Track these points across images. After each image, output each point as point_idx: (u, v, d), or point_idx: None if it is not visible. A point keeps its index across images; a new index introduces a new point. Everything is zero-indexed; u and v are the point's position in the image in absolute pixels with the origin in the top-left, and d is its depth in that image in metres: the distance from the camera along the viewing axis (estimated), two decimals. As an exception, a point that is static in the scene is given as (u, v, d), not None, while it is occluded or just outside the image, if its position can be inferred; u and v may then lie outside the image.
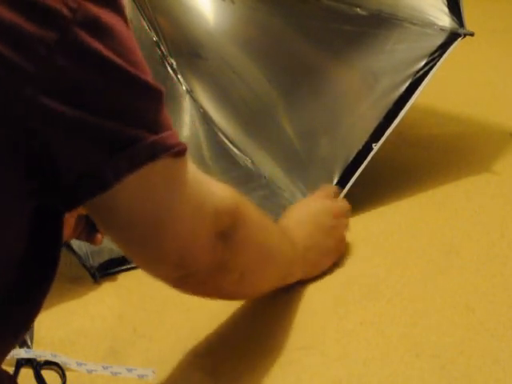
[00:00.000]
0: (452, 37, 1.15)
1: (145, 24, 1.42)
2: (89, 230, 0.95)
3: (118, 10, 0.59)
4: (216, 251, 0.73)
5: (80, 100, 0.56)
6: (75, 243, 1.05)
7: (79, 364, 0.87)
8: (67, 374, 0.87)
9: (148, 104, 0.61)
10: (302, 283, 1.00)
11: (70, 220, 0.99)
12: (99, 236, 0.95)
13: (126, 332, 0.94)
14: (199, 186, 0.70)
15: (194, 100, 1.39)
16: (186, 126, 1.38)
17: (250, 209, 0.79)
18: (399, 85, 1.16)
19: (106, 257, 1.06)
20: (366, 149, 1.14)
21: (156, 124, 0.62)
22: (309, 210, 1.00)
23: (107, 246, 1.02)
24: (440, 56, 1.14)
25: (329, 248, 1.00)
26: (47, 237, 0.65)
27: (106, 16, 0.57)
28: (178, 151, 0.64)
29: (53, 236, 0.65)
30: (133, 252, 0.71)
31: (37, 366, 0.88)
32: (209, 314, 0.96)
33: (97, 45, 0.56)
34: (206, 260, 0.72)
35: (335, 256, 1.01)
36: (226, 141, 1.34)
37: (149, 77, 0.61)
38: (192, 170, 0.69)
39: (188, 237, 0.69)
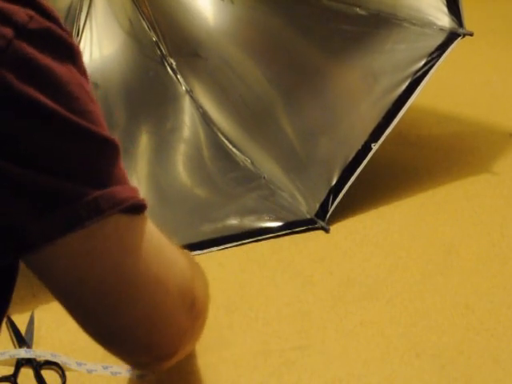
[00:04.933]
0: (451, 37, 1.15)
1: (144, 24, 1.42)
2: None
3: (65, 55, 0.51)
4: (187, 325, 0.63)
5: (3, 149, 0.49)
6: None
7: (79, 364, 0.87)
8: (67, 374, 0.87)
9: (91, 156, 0.52)
10: (302, 284, 1.00)
11: None
12: None
13: (126, 332, 0.94)
14: (162, 252, 0.59)
15: (194, 100, 1.39)
16: (185, 126, 1.38)
17: (198, 265, 0.69)
18: (398, 85, 1.16)
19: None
20: (366, 149, 1.14)
21: (102, 177, 0.53)
22: None
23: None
24: (439, 56, 1.14)
25: None
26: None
27: (44, 59, 0.50)
28: (132, 207, 0.54)
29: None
30: (91, 328, 0.58)
31: (37, 365, 0.87)
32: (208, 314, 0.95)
33: (26, 88, 0.49)
34: (180, 338, 0.62)
35: None
36: (226, 141, 1.33)
37: (98, 127, 0.52)
38: (154, 232, 0.58)
39: (154, 314, 0.58)
